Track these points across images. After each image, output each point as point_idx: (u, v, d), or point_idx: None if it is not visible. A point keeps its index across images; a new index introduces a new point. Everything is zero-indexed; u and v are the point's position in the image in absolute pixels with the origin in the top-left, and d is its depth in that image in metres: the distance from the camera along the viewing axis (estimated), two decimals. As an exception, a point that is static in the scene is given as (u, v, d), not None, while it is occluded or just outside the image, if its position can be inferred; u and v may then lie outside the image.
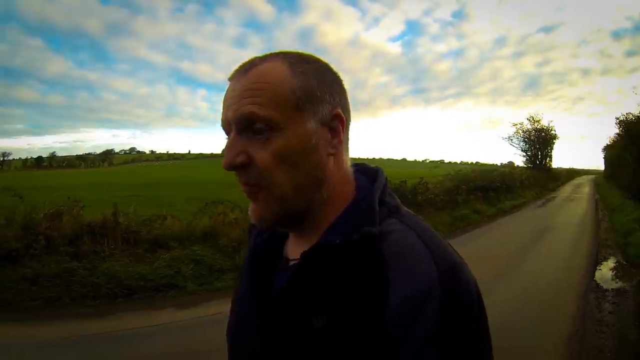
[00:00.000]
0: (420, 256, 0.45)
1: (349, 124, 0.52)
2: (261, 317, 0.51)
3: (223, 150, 0.49)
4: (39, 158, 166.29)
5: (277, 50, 0.51)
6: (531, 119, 28.07)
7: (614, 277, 4.79)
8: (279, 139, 0.47)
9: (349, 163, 0.54)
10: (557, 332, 3.12)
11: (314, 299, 0.46)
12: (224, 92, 0.50)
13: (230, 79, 0.50)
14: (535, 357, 2.76)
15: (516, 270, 4.95)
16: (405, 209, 0.53)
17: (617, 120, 14.54)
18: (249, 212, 0.51)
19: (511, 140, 28.44)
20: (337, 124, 0.50)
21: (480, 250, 6.14)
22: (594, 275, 4.75)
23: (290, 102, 0.47)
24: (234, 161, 0.47)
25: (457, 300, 0.44)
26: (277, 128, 0.46)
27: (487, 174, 14.25)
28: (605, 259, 5.65)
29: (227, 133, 0.50)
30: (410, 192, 8.02)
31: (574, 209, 12.22)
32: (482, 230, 8.16)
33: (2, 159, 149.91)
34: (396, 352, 0.41)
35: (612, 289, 4.27)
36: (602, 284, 4.42)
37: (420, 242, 0.46)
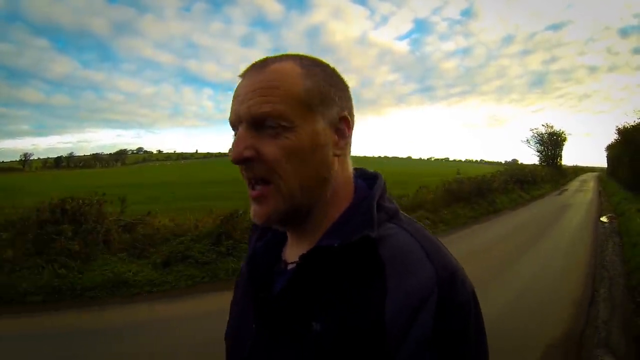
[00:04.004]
0: (418, 258, 0.46)
1: (353, 129, 0.54)
2: (259, 320, 0.52)
3: (230, 150, 0.49)
4: (59, 158, 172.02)
5: (289, 52, 0.52)
6: (546, 125, 33.51)
7: (608, 218, 10.08)
8: (290, 135, 0.47)
9: (351, 167, 0.55)
10: (587, 234, 8.26)
11: (313, 301, 0.47)
12: (233, 90, 0.51)
13: (242, 76, 0.51)
14: (580, 237, 7.87)
15: (560, 219, 10.08)
16: (404, 214, 0.53)
17: (617, 129, 19.53)
18: (251, 214, 0.50)
19: (529, 142, 33.92)
20: (343, 127, 0.52)
21: (535, 213, 11.41)
22: (599, 219, 10.02)
23: (303, 101, 0.48)
24: (242, 154, 0.47)
25: (454, 302, 0.44)
26: (289, 125, 0.47)
27: (520, 170, 19.52)
28: (604, 215, 10.89)
29: (235, 127, 0.50)
30: (487, 182, 13.14)
31: (583, 196, 17.36)
32: (530, 206, 13.33)
33: (24, 159, 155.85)
34: (394, 355, 0.42)
35: (607, 222, 9.55)
36: (603, 221, 9.68)
37: (418, 245, 0.47)
